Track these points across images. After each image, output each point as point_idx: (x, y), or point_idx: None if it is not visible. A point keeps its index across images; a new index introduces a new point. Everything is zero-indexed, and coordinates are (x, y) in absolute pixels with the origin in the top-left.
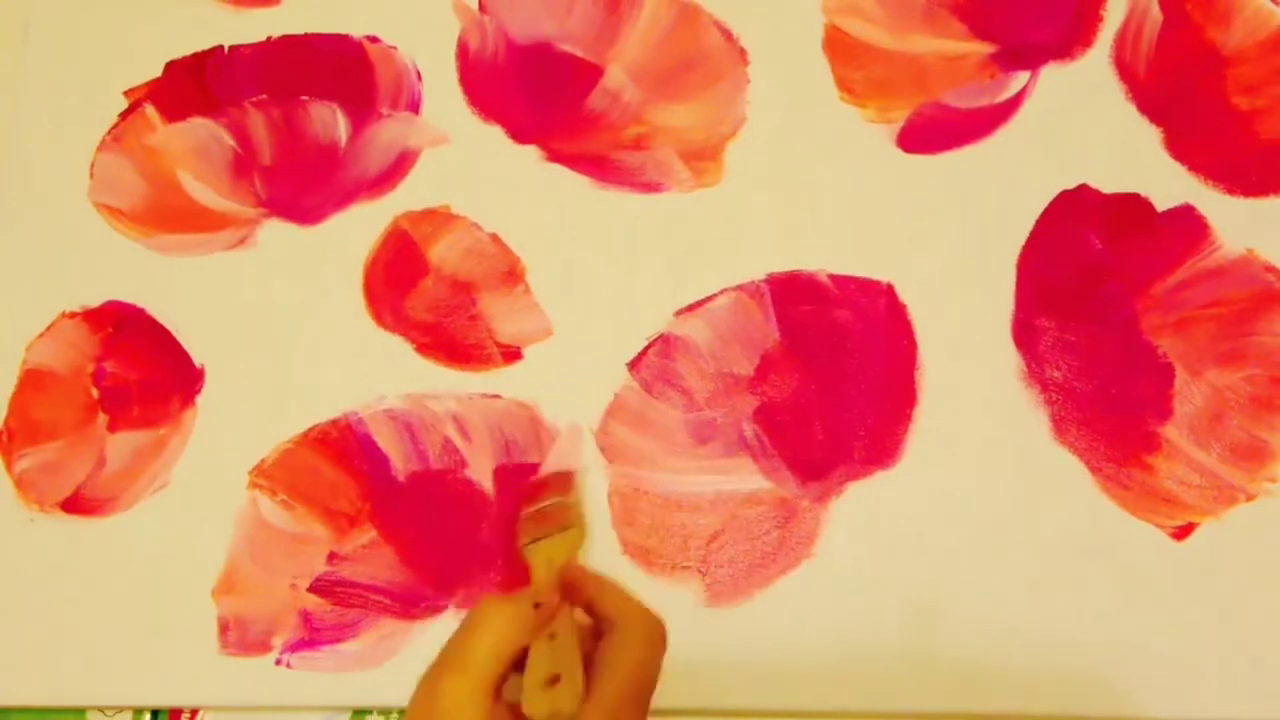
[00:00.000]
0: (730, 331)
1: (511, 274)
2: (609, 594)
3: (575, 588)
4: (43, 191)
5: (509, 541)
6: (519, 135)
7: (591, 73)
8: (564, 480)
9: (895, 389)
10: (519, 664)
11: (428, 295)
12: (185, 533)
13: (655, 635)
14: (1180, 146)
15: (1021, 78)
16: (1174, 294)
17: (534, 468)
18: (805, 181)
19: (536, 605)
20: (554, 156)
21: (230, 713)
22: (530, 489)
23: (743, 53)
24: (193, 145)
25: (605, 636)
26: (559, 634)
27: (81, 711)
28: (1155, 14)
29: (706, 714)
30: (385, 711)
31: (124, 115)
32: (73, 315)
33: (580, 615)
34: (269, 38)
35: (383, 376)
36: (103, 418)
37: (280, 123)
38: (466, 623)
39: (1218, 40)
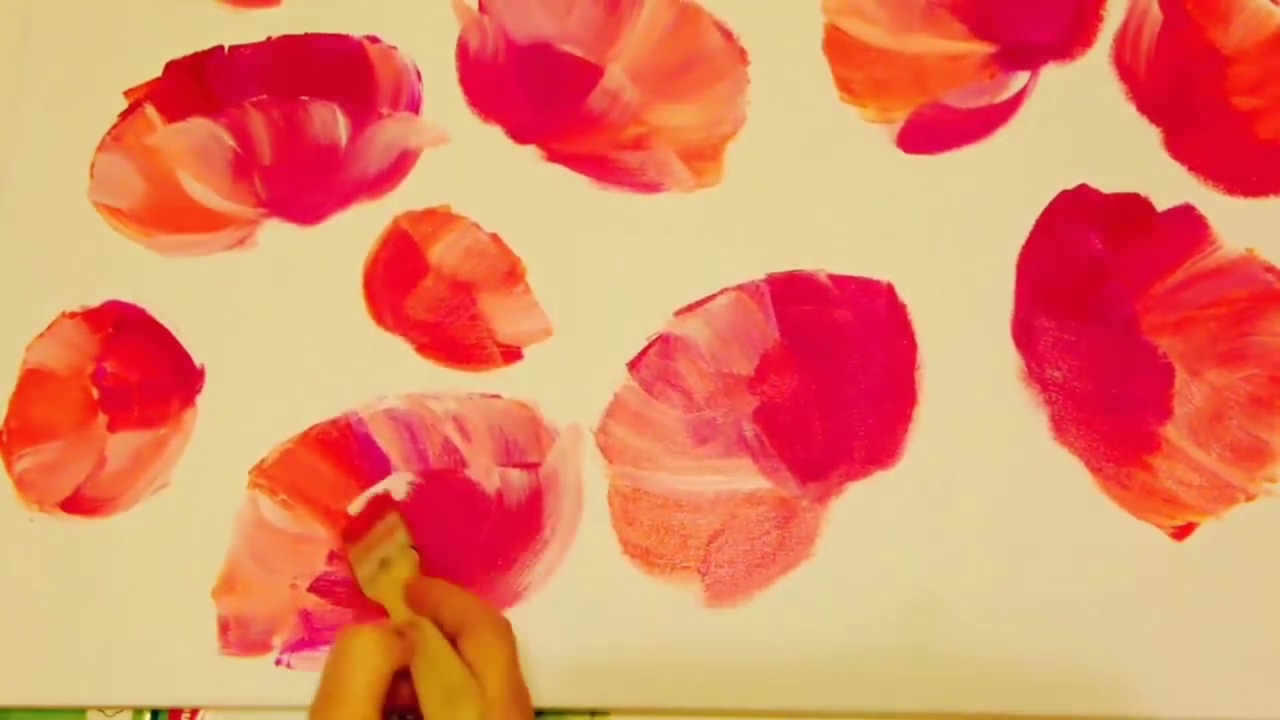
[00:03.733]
0: (730, 331)
1: (511, 274)
2: (452, 599)
3: (420, 600)
4: (43, 191)
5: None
6: (519, 135)
7: (591, 73)
8: (378, 506)
9: (895, 389)
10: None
11: (428, 295)
12: (185, 533)
13: (507, 630)
14: (1180, 146)
15: (1021, 78)
16: (1174, 294)
17: (535, 467)
18: (805, 181)
19: (400, 633)
20: (554, 156)
21: (230, 713)
22: (351, 528)
23: (743, 53)
24: (193, 145)
25: (462, 639)
26: (431, 650)
27: (81, 711)
28: (1155, 14)
29: (706, 714)
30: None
31: (124, 115)
32: (73, 315)
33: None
34: (269, 38)
35: (383, 376)
36: (103, 418)
37: (280, 123)
38: (335, 658)
39: (1218, 40)
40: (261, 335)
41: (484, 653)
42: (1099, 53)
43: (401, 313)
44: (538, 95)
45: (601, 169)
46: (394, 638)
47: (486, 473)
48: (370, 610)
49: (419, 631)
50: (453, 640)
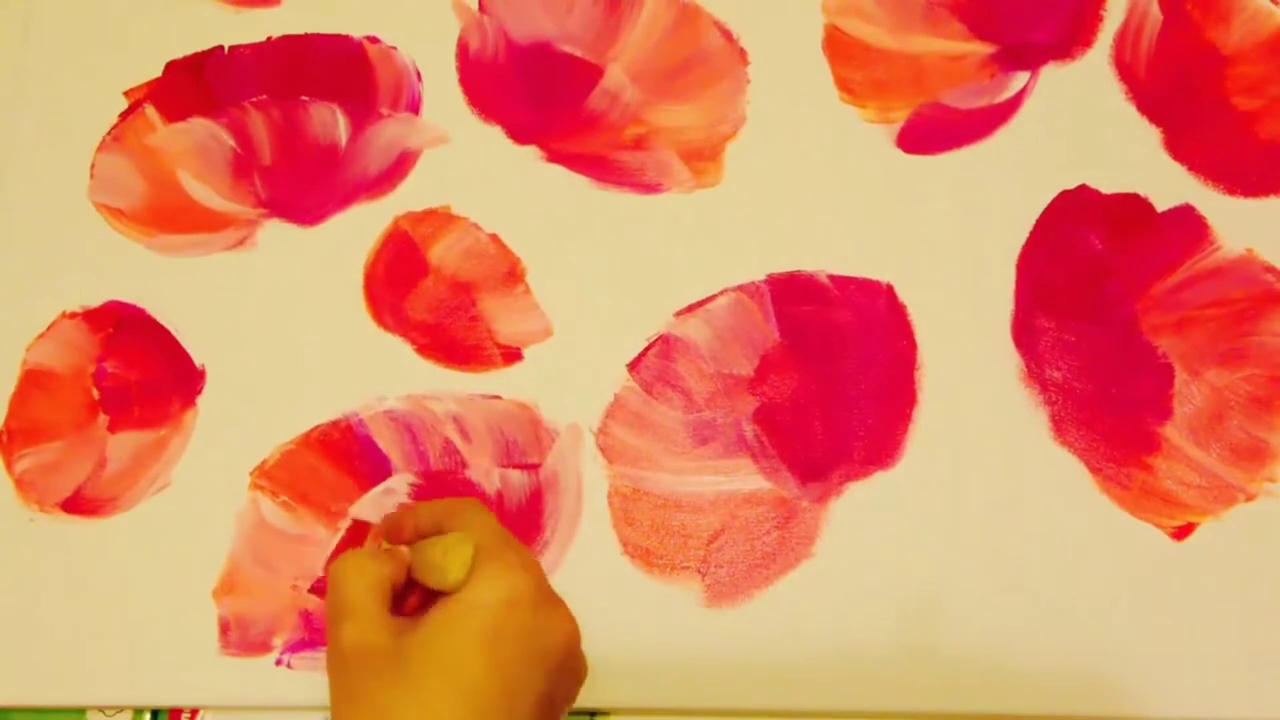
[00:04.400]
0: (730, 332)
1: (511, 274)
2: (423, 511)
3: (398, 530)
4: (43, 191)
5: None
6: (519, 135)
7: (591, 73)
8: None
9: (895, 389)
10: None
11: (428, 296)
12: (186, 533)
13: (483, 506)
14: (1180, 146)
15: (1021, 78)
16: (1174, 294)
17: (535, 467)
18: (805, 181)
19: (388, 551)
20: (554, 156)
21: (230, 713)
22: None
23: (743, 53)
24: (193, 145)
25: (445, 529)
26: (421, 546)
27: (81, 711)
28: (1155, 14)
29: (706, 714)
30: None
31: (124, 115)
32: (73, 315)
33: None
34: (269, 38)
35: (383, 377)
36: (103, 418)
37: (280, 123)
38: (332, 583)
39: (1218, 40)
40: (261, 335)
41: (466, 519)
42: (1099, 53)
43: (401, 313)
44: (538, 95)
45: (601, 169)
46: (384, 552)
47: (487, 474)
48: None
49: (407, 547)
50: None
